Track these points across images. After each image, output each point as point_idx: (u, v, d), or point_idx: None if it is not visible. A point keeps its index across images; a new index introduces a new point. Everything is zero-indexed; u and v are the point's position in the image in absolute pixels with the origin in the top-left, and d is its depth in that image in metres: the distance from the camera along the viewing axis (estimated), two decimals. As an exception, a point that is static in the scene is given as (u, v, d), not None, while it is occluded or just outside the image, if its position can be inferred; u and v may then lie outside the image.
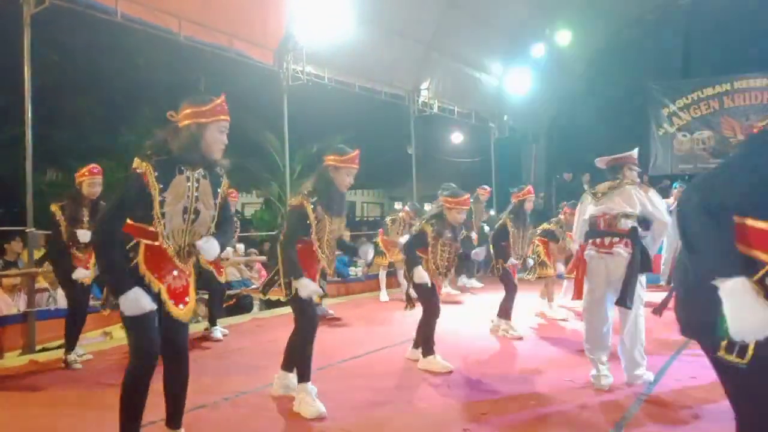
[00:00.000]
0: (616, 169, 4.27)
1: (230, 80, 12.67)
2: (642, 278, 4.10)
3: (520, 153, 14.69)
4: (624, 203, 4.07)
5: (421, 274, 4.55)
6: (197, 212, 2.72)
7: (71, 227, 4.88)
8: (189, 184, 2.68)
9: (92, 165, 5.01)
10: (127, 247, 2.66)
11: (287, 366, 3.99)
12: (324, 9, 8.08)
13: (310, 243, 3.67)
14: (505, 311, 5.99)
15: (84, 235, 4.87)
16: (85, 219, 4.93)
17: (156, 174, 2.60)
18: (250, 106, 12.66)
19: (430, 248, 4.72)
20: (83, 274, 4.92)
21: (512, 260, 5.92)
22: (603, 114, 13.15)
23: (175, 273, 2.74)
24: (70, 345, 4.97)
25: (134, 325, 2.61)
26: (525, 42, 12.42)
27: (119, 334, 6.45)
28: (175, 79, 14.13)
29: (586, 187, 12.34)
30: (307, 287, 3.54)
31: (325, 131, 16.65)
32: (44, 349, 5.67)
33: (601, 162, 4.41)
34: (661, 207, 4.11)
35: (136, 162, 2.61)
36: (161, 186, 2.60)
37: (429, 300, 4.71)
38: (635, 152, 4.37)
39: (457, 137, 16.64)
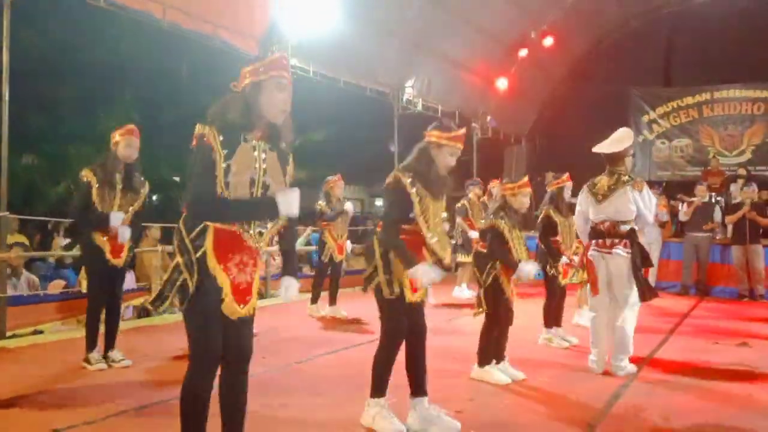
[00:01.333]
0: (616, 159, 4.59)
1: (213, 70, 12.54)
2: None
3: (501, 154, 14.76)
4: (622, 210, 4.47)
5: (528, 269, 4.21)
6: (266, 187, 2.41)
7: (101, 193, 4.30)
8: (256, 154, 2.39)
9: (130, 125, 4.52)
10: (191, 236, 2.33)
11: (417, 390, 3.34)
12: (311, 1, 8.03)
13: (414, 230, 3.18)
14: (554, 319, 5.63)
15: (116, 218, 4.29)
16: (118, 187, 4.37)
17: (221, 138, 2.30)
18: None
19: (510, 244, 4.28)
20: (118, 218, 4.29)
21: (565, 259, 5.49)
22: (584, 118, 13.25)
23: (241, 261, 2.38)
24: (88, 342, 4.41)
25: (199, 325, 2.34)
26: (510, 44, 12.49)
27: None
28: (157, 67, 13.94)
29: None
30: (427, 273, 3.05)
31: (308, 125, 16.57)
32: (14, 336, 5.57)
33: (600, 148, 4.67)
34: (650, 207, 4.52)
35: (198, 127, 2.33)
36: (226, 152, 2.29)
37: (499, 306, 4.30)
38: (630, 140, 4.75)
39: (439, 136, 16.64)
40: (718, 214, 9.65)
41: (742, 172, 11.55)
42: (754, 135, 12.72)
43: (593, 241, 4.59)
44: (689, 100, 13.24)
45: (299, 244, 10.29)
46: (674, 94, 13.40)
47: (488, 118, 13.40)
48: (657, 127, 13.49)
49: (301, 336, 5.88)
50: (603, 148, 4.67)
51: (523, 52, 12.63)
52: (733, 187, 10.69)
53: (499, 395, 4.04)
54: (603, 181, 4.62)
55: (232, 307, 2.35)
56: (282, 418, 3.41)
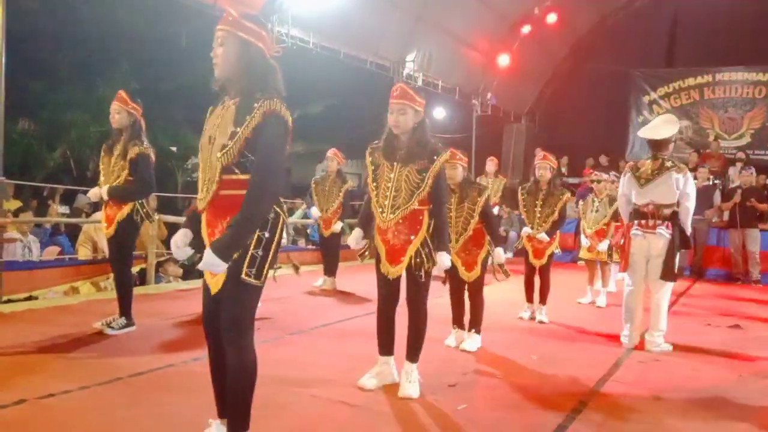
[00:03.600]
0: (661, 145, 4.68)
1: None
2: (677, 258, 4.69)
3: (501, 131, 14.70)
4: (666, 195, 4.61)
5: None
6: (213, 141, 2.38)
7: (101, 163, 4.54)
8: (220, 111, 2.42)
9: (120, 90, 4.56)
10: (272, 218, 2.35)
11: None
12: (312, -29, 7.92)
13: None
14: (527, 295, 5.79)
15: (92, 193, 4.50)
16: (113, 155, 4.43)
17: (210, 108, 2.52)
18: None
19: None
20: (93, 193, 4.48)
21: (527, 229, 5.60)
22: (585, 97, 13.21)
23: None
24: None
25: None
26: (513, 20, 12.35)
27: (87, 290, 6.39)
28: (156, 35, 13.75)
29: (564, 169, 12.54)
30: (448, 260, 3.34)
31: (307, 97, 16.44)
32: (9, 301, 5.59)
33: (645, 134, 4.80)
34: (691, 194, 4.64)
35: None
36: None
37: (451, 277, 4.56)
38: (677, 127, 4.84)
39: (439, 112, 16.56)
40: (717, 198, 9.67)
41: (741, 156, 11.54)
42: (754, 119, 12.68)
43: (636, 221, 4.73)
44: (691, 81, 13.16)
45: (296, 217, 10.29)
46: (676, 75, 13.32)
47: (488, 94, 13.31)
48: (657, 107, 13.41)
49: (297, 308, 5.91)
50: (647, 133, 4.81)
51: (526, 29, 12.49)
52: (731, 171, 10.69)
53: (492, 370, 4.08)
54: (647, 165, 4.74)
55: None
56: (272, 392, 3.43)
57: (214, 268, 2.25)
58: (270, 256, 2.35)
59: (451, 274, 4.46)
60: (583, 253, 6.88)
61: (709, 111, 13.04)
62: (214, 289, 2.36)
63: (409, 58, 10.92)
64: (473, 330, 4.54)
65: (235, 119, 2.33)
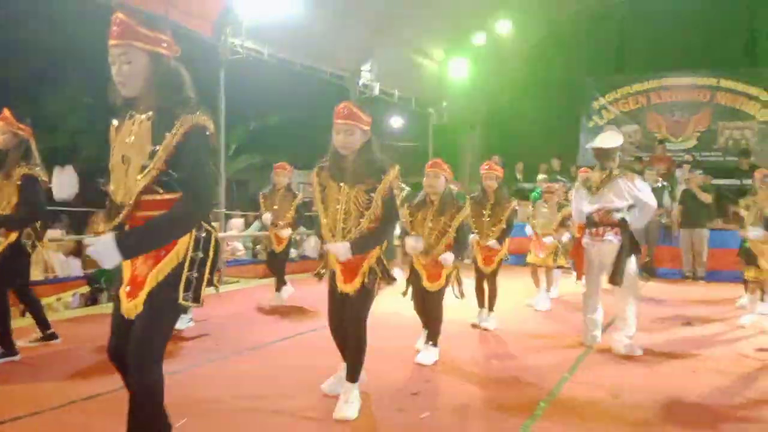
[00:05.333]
0: (607, 155, 4.81)
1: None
2: (632, 262, 4.77)
3: (457, 140, 14.87)
4: (615, 199, 4.74)
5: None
6: (128, 162, 2.22)
7: None
8: (133, 128, 2.23)
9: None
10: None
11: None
12: (266, -18, 7.89)
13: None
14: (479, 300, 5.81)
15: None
16: (1, 176, 4.13)
17: (114, 123, 2.34)
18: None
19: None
20: None
21: (473, 236, 5.58)
22: (538, 104, 13.47)
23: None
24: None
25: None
26: (467, 30, 12.54)
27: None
28: (106, 47, 13.44)
29: (519, 176, 12.77)
30: (337, 249, 3.20)
31: (264, 109, 16.34)
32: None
33: (593, 144, 4.97)
34: (647, 193, 4.79)
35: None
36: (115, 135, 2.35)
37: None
38: (621, 139, 4.95)
39: (396, 121, 16.71)
40: (666, 199, 9.99)
41: (687, 158, 11.94)
42: (700, 122, 13.15)
43: (587, 231, 4.93)
44: (638, 87, 13.57)
45: (253, 229, 10.17)
46: (624, 81, 13.71)
47: (444, 103, 13.46)
48: (607, 113, 13.80)
49: (251, 324, 5.81)
50: (594, 143, 4.99)
51: (480, 38, 12.70)
52: (678, 173, 11.04)
53: (453, 377, 4.11)
54: (595, 175, 4.91)
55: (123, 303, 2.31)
56: (232, 408, 3.38)
57: (104, 259, 2.06)
58: (205, 277, 2.26)
59: (415, 285, 4.47)
60: (529, 258, 6.99)
61: (657, 115, 13.47)
62: (129, 314, 2.20)
63: (365, 69, 10.96)
64: (430, 342, 4.44)
65: (152, 137, 2.17)
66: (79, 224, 8.62)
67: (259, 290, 6.88)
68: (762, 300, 5.96)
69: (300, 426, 3.15)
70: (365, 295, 3.26)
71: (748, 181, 9.00)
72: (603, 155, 4.85)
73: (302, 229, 7.23)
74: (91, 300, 6.68)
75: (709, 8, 12.17)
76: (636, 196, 4.72)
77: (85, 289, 6.76)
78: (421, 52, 12.24)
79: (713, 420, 3.38)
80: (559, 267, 7.20)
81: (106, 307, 6.38)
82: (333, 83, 10.71)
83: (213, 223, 2.35)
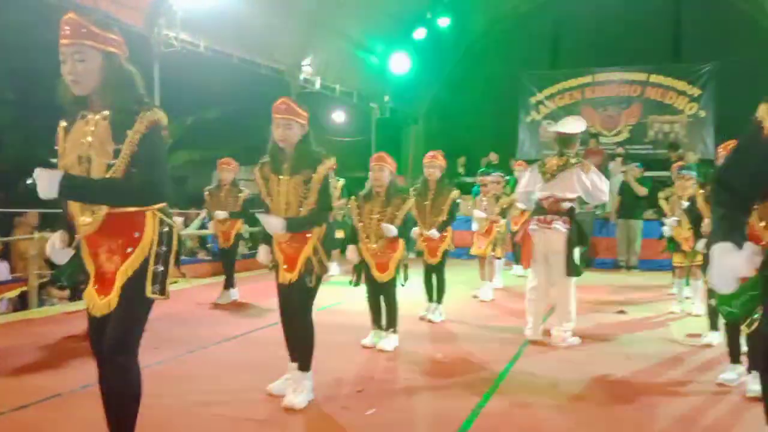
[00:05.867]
0: (567, 142, 4.82)
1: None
2: (576, 252, 4.80)
3: (400, 134, 14.93)
4: (567, 189, 4.74)
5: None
6: (89, 161, 2.27)
7: None
8: (87, 128, 2.29)
9: None
10: None
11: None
12: (201, -27, 7.68)
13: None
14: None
15: None
16: None
17: (63, 124, 2.42)
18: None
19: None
20: None
21: (416, 229, 5.54)
22: (479, 99, 13.67)
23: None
24: None
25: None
26: (407, 24, 12.58)
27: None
28: (34, 40, 12.79)
29: (461, 170, 12.95)
30: (268, 222, 3.31)
31: (202, 103, 15.94)
32: None
33: (555, 127, 5.00)
34: (600, 186, 4.79)
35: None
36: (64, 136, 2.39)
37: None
38: (584, 126, 5.02)
39: (338, 116, 16.59)
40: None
41: (620, 151, 12.39)
42: (631, 115, 13.64)
43: (535, 218, 4.86)
44: (573, 82, 13.96)
45: (193, 228, 9.92)
46: (559, 76, 14.08)
47: (386, 97, 13.48)
48: (543, 108, 14.14)
49: (197, 323, 5.69)
50: (558, 127, 4.98)
51: (421, 33, 12.77)
52: (611, 165, 11.44)
53: (399, 371, 4.13)
54: (553, 161, 4.87)
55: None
56: (179, 410, 3.29)
57: (42, 186, 2.07)
58: (169, 270, 2.37)
59: (367, 276, 4.56)
60: (473, 250, 7.10)
61: (591, 110, 13.89)
62: (102, 311, 2.28)
63: (306, 63, 10.84)
64: (390, 330, 4.64)
65: (113, 136, 2.23)
66: (3, 225, 8.17)
67: (201, 289, 6.74)
68: (687, 284, 6.22)
69: (241, 430, 3.09)
70: (305, 285, 3.34)
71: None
72: (564, 141, 4.87)
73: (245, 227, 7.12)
74: (21, 305, 6.36)
75: (639, 6, 12.63)
76: (587, 189, 4.76)
77: (15, 292, 6.43)
78: (362, 47, 12.21)
79: (645, 405, 3.53)
80: (497, 258, 7.34)
81: (35, 312, 6.08)
82: (274, 77, 10.54)
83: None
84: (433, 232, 5.47)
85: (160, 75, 8.02)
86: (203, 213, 7.92)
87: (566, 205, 4.78)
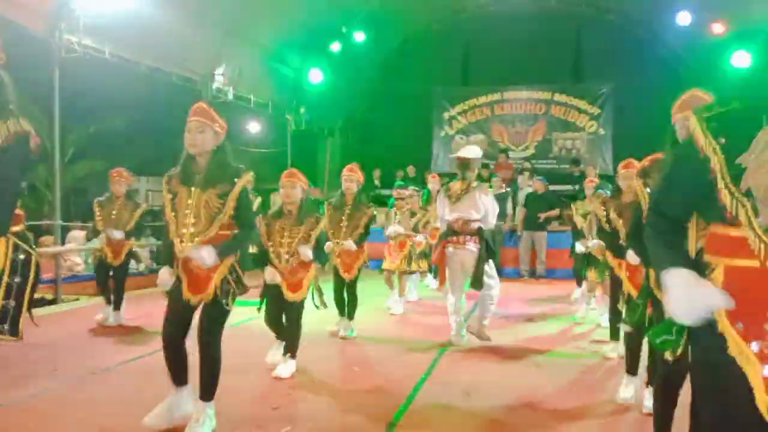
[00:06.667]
0: (467, 166, 5.22)
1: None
2: (489, 264, 5.24)
3: (316, 146, 14.89)
4: (472, 210, 5.15)
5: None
6: None
7: None
8: None
9: None
10: None
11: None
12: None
13: None
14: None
15: None
16: None
17: None
18: (13, 79, 11.02)
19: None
20: None
21: (330, 243, 5.36)
22: (394, 113, 13.88)
23: None
24: None
25: None
26: (323, 37, 12.59)
27: None
28: None
29: (377, 182, 13.06)
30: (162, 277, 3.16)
31: (106, 111, 15.21)
32: None
33: (457, 153, 5.41)
34: (488, 210, 5.22)
35: None
36: None
37: None
38: (480, 153, 5.45)
39: (253, 126, 16.32)
40: (509, 204, 10.75)
41: (527, 165, 12.94)
42: (537, 132, 14.32)
43: (449, 239, 5.22)
44: (483, 99, 14.49)
45: (93, 244, 9.36)
46: (470, 93, 14.57)
47: (302, 109, 13.41)
48: (456, 123, 14.57)
49: (92, 345, 5.34)
50: (458, 152, 5.41)
51: (336, 46, 12.83)
52: (519, 179, 11.92)
53: (315, 387, 4.08)
54: (456, 185, 5.27)
55: None
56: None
57: None
58: (24, 305, 2.07)
59: (271, 296, 4.38)
60: (385, 264, 7.06)
61: (500, 126, 14.46)
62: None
63: (218, 72, 10.59)
64: (288, 355, 4.31)
65: None
66: None
67: (99, 308, 6.27)
68: (594, 297, 6.50)
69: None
70: (219, 308, 3.06)
71: (577, 186, 10.01)
72: (464, 165, 5.25)
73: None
74: None
75: (544, 29, 13.30)
76: (486, 207, 5.22)
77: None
78: (277, 57, 12.10)
79: (557, 408, 3.67)
80: (412, 272, 7.31)
81: None
82: (185, 86, 10.23)
83: (48, 237, 2.18)
84: (350, 244, 5.40)
85: (61, 81, 7.58)
86: (90, 226, 6.74)
87: (475, 225, 5.16)
